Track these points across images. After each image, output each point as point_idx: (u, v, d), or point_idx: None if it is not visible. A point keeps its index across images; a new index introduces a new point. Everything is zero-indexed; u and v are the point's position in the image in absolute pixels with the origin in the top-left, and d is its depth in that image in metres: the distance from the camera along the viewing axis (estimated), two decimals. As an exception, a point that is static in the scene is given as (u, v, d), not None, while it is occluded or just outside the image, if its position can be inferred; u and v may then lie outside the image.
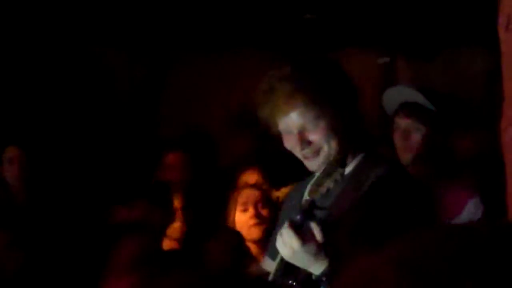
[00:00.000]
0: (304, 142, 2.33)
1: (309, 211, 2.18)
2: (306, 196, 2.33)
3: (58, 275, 3.09)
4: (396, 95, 3.34)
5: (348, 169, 2.35)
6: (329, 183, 2.20)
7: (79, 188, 4.28)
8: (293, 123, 2.33)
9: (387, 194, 2.30)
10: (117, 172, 4.97)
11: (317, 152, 2.35)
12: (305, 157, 2.36)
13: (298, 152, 2.37)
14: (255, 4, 5.31)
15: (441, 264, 0.62)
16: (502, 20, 1.86)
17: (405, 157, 3.10)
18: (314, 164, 2.36)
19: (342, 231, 2.23)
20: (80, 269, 3.27)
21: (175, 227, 4.13)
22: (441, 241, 0.66)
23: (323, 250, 2.14)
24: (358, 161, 2.42)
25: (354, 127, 2.43)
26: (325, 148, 2.35)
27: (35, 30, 5.32)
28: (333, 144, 2.36)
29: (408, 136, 3.14)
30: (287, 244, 2.13)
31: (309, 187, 2.39)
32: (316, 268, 2.13)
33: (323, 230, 2.16)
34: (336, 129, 2.37)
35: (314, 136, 2.34)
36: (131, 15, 5.49)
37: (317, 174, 2.31)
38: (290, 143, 2.38)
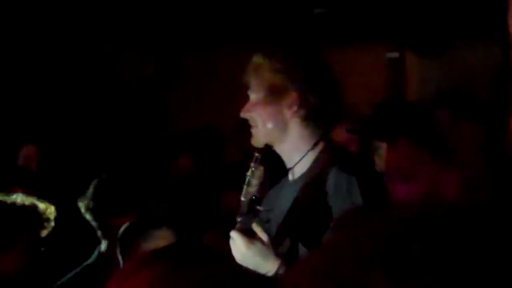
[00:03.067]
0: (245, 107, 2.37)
1: (248, 213, 2.17)
2: (243, 198, 2.26)
3: (63, 272, 3.11)
4: None
5: (302, 166, 2.35)
6: (255, 183, 2.21)
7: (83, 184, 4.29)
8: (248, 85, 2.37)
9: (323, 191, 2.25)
10: (125, 169, 4.97)
11: (253, 126, 2.37)
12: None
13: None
14: (264, -1, 5.31)
15: (350, 269, 0.61)
16: (511, 14, 1.85)
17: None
18: (253, 139, 2.37)
19: (290, 231, 2.22)
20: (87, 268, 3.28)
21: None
22: (352, 241, 0.65)
23: (272, 250, 2.11)
24: (313, 157, 2.36)
25: (318, 117, 2.36)
26: (259, 125, 2.35)
27: (45, 28, 5.34)
28: (269, 125, 2.34)
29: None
30: (236, 247, 2.11)
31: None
32: (269, 268, 2.09)
33: (269, 230, 2.17)
34: (278, 112, 2.34)
35: (250, 107, 2.37)
36: (140, 11, 5.50)
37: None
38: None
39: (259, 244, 2.10)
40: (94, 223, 3.00)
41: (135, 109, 5.96)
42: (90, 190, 3.01)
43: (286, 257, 2.13)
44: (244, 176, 2.31)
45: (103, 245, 3.01)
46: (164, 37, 6.12)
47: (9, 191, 3.00)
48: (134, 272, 1.04)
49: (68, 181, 4.16)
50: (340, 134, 3.68)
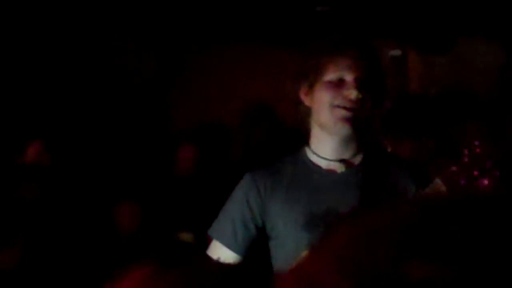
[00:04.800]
0: (358, 89, 2.24)
1: None
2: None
3: (69, 274, 3.11)
4: None
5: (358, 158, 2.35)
6: None
7: (90, 183, 4.30)
8: (353, 66, 2.26)
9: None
10: (126, 164, 4.98)
11: (357, 112, 2.26)
12: (342, 115, 2.25)
13: (333, 108, 2.26)
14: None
15: (384, 253, 0.60)
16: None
17: None
18: (346, 129, 2.27)
19: None
20: (86, 266, 3.28)
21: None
22: (381, 226, 0.64)
23: None
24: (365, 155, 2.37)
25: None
26: (363, 115, 2.29)
27: (47, 25, 5.34)
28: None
29: None
30: None
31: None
32: None
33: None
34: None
35: (366, 94, 2.27)
36: (142, 7, 5.50)
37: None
38: (332, 94, 2.26)
39: None
40: None
41: (137, 105, 5.96)
42: None
43: None
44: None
45: None
46: (166, 33, 6.12)
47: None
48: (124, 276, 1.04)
49: (73, 177, 4.17)
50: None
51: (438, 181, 2.74)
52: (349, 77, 2.25)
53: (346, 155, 2.33)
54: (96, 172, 4.60)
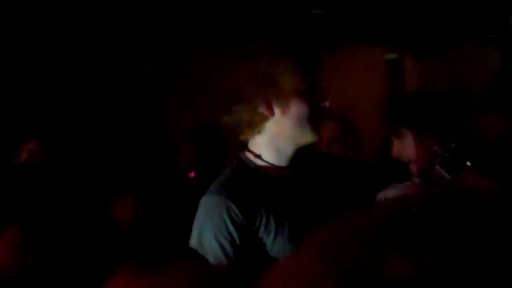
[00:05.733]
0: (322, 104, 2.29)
1: None
2: None
3: (68, 271, 3.10)
4: None
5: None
6: None
7: (88, 182, 4.30)
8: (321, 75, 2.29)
9: None
10: (124, 166, 4.98)
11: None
12: (316, 126, 2.28)
13: (309, 120, 2.26)
14: (263, -1, 5.32)
15: (363, 251, 0.61)
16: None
17: None
18: (315, 138, 2.29)
19: None
20: (90, 266, 3.28)
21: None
22: (359, 226, 0.65)
23: None
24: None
25: None
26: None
27: (45, 26, 5.34)
28: None
29: None
30: None
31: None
32: None
33: None
34: None
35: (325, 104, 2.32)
36: (139, 9, 5.50)
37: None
38: (309, 106, 2.26)
39: None
40: None
41: (134, 106, 5.96)
42: None
43: None
44: None
45: None
46: (163, 34, 6.13)
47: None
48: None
49: (70, 176, 4.17)
50: (331, 130, 3.72)
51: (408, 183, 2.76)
52: (316, 87, 2.27)
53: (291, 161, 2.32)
54: (93, 170, 4.61)
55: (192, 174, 4.44)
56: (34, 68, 5.36)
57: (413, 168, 2.79)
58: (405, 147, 2.77)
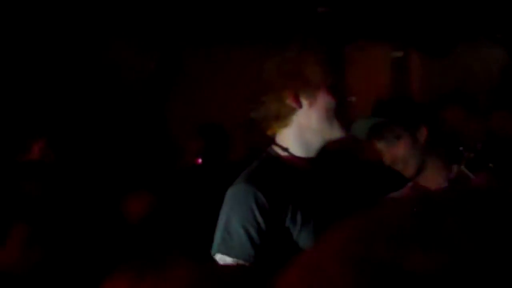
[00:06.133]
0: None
1: None
2: None
3: (74, 271, 3.11)
4: None
5: None
6: None
7: (93, 181, 4.31)
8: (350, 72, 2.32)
9: None
10: (128, 165, 4.99)
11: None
12: (343, 121, 2.29)
13: (336, 114, 2.28)
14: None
15: (384, 247, 0.62)
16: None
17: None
18: (343, 133, 2.31)
19: None
20: (95, 265, 3.29)
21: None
22: (380, 223, 0.65)
23: None
24: None
25: None
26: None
27: (48, 27, 5.35)
28: None
29: None
30: None
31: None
32: None
33: None
34: None
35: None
36: (141, 8, 5.51)
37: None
38: (333, 100, 2.27)
39: None
40: None
41: (136, 106, 5.97)
42: None
43: None
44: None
45: None
46: (165, 34, 6.13)
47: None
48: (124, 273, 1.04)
49: (77, 174, 4.19)
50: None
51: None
52: (343, 81, 2.29)
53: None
54: (99, 168, 4.62)
55: (200, 160, 4.43)
56: (38, 69, 5.37)
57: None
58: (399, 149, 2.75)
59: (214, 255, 2.21)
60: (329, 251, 0.65)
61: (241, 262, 2.16)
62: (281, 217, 2.19)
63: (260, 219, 2.16)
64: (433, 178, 2.69)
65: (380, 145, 2.76)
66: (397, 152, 2.73)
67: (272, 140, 2.35)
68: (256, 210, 2.16)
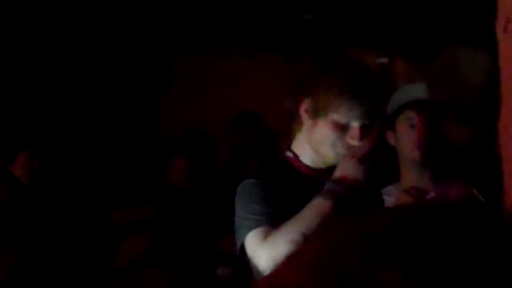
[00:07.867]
0: (361, 138, 2.34)
1: None
2: None
3: (55, 276, 3.08)
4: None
5: None
6: None
7: (80, 188, 4.29)
8: (359, 117, 2.32)
9: None
10: (116, 172, 4.97)
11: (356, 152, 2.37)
12: (339, 153, 2.36)
13: (340, 146, 2.35)
14: (253, 4, 5.32)
15: (353, 255, 0.60)
16: (500, 22, 1.87)
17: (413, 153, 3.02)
18: (338, 160, 2.37)
19: None
20: (79, 270, 3.26)
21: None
22: (350, 232, 0.65)
23: None
24: None
25: None
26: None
27: (35, 31, 5.33)
28: None
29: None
30: None
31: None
32: None
33: None
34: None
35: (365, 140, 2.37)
36: (131, 14, 5.50)
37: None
38: (336, 136, 2.33)
39: None
40: None
41: (126, 113, 5.95)
42: None
43: None
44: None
45: None
46: (154, 42, 6.12)
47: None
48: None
49: (64, 184, 4.16)
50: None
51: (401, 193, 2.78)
52: (356, 124, 2.32)
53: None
54: (85, 178, 4.59)
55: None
56: (27, 77, 5.35)
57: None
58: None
59: (246, 239, 2.29)
60: (301, 262, 0.64)
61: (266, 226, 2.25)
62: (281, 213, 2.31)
63: (269, 197, 2.30)
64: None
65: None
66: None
67: (289, 144, 2.48)
68: (265, 191, 2.31)
